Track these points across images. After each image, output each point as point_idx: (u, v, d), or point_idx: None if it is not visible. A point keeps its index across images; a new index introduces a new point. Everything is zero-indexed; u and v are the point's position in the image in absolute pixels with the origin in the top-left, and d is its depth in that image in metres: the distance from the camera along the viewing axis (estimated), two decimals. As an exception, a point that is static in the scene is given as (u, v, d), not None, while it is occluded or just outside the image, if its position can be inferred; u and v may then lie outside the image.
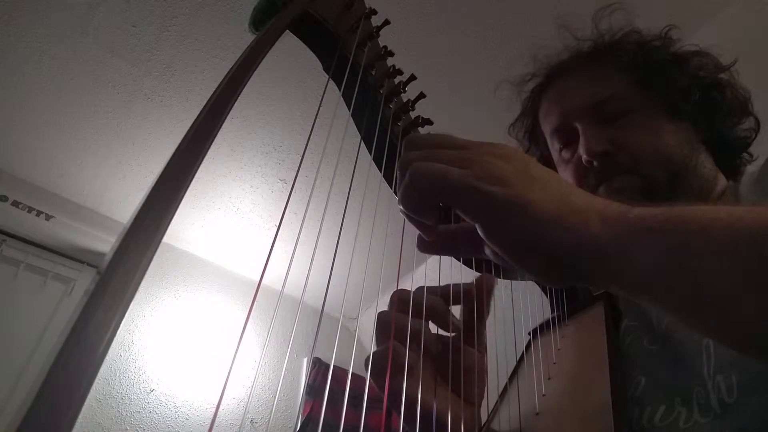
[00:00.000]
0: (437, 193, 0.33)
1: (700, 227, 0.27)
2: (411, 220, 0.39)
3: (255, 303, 0.42)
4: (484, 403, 0.49)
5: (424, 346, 0.44)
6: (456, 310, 0.47)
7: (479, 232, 0.32)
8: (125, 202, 2.19)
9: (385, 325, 0.43)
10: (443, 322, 0.45)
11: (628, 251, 0.28)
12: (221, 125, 0.31)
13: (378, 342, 0.43)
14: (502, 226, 0.31)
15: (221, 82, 0.32)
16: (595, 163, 0.60)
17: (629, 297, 0.31)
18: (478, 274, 0.51)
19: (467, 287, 0.47)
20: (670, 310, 0.29)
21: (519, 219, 0.30)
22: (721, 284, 0.25)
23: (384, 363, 0.39)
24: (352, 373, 0.40)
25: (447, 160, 0.33)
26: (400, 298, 0.44)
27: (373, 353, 0.42)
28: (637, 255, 0.28)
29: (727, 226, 0.26)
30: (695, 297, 0.26)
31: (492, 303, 0.49)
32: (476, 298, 0.46)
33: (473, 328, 0.47)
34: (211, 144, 0.30)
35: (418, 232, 0.40)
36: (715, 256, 0.26)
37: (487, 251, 0.38)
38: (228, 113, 0.31)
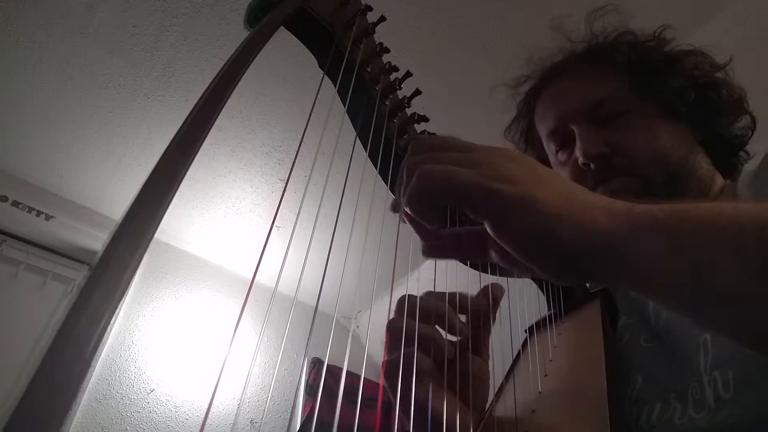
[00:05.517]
0: (446, 195, 0.33)
1: (705, 221, 0.27)
2: (415, 224, 0.39)
3: (257, 304, 0.42)
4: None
5: (436, 352, 0.44)
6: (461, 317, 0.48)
7: (489, 230, 0.32)
8: (125, 202, 2.18)
9: (396, 332, 0.43)
10: (451, 327, 0.46)
11: (634, 245, 0.28)
12: (214, 121, 0.31)
13: (390, 350, 0.43)
14: (511, 223, 0.31)
15: (215, 78, 0.32)
16: (591, 165, 0.59)
17: (635, 292, 0.31)
18: (475, 272, 0.51)
19: (476, 298, 0.48)
20: (675, 305, 0.29)
21: (528, 215, 0.30)
22: (726, 277, 0.25)
23: (398, 370, 0.40)
24: (350, 372, 0.40)
25: (454, 162, 0.33)
26: (409, 303, 0.44)
27: (388, 361, 0.42)
28: (643, 250, 0.28)
29: (731, 220, 0.26)
30: (700, 290, 0.26)
31: (498, 311, 0.49)
32: (483, 307, 0.47)
33: (479, 336, 0.48)
34: (204, 140, 0.30)
35: (416, 228, 0.40)
36: (720, 249, 0.26)
37: (492, 254, 0.38)
38: (221, 109, 0.31)
